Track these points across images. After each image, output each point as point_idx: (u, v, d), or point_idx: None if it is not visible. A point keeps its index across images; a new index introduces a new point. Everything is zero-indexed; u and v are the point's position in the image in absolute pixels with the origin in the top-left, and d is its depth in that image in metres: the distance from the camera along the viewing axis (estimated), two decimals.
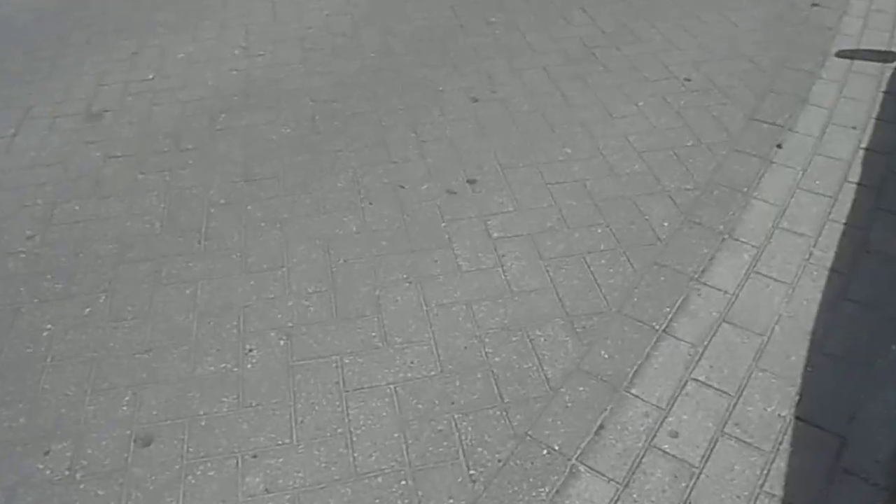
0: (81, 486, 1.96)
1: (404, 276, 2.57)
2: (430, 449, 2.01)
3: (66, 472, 2.00)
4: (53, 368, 2.29)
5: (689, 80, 3.54)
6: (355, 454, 2.00)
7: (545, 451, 1.99)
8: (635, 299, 2.43)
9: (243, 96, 3.59)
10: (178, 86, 3.70)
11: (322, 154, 3.17)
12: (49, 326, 2.44)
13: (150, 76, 3.81)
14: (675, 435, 2.01)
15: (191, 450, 2.03)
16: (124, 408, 2.15)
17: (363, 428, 2.07)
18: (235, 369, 2.25)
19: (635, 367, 2.20)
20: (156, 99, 3.61)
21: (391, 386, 2.18)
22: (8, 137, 3.40)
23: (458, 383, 2.19)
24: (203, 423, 2.10)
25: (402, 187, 2.97)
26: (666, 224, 2.72)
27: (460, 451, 2.00)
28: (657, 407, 2.08)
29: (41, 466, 2.02)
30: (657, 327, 2.32)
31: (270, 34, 4.14)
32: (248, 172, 3.09)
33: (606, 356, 2.24)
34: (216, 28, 4.23)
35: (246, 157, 3.17)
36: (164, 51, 4.03)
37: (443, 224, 2.79)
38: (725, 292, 2.42)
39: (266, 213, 2.87)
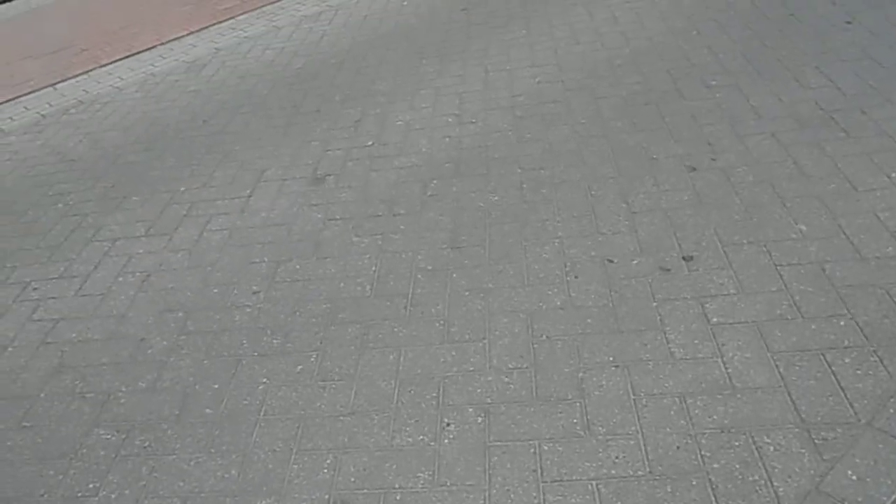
0: None
1: (610, 358, 2.38)
2: None
3: None
4: (265, 423, 2.39)
5: None
6: None
7: None
8: (892, 410, 2.04)
9: (454, 163, 3.65)
10: (395, 153, 3.85)
11: (528, 223, 3.10)
12: (265, 380, 2.56)
13: (370, 143, 4.00)
14: None
15: None
16: (325, 471, 2.17)
17: None
18: (432, 443, 2.19)
19: (894, 497, 1.83)
20: (374, 165, 3.78)
21: (593, 482, 2.00)
22: (244, 198, 3.72)
23: (669, 489, 1.95)
24: (398, 497, 2.06)
25: (611, 261, 2.81)
26: None
27: None
28: None
29: None
30: None
31: (482, 102, 4.20)
32: (455, 239, 3.09)
33: (855, 478, 1.89)
34: (432, 96, 4.38)
35: (454, 224, 3.19)
36: (384, 118, 4.23)
37: (654, 304, 2.57)
38: None
39: (470, 282, 2.83)
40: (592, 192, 3.23)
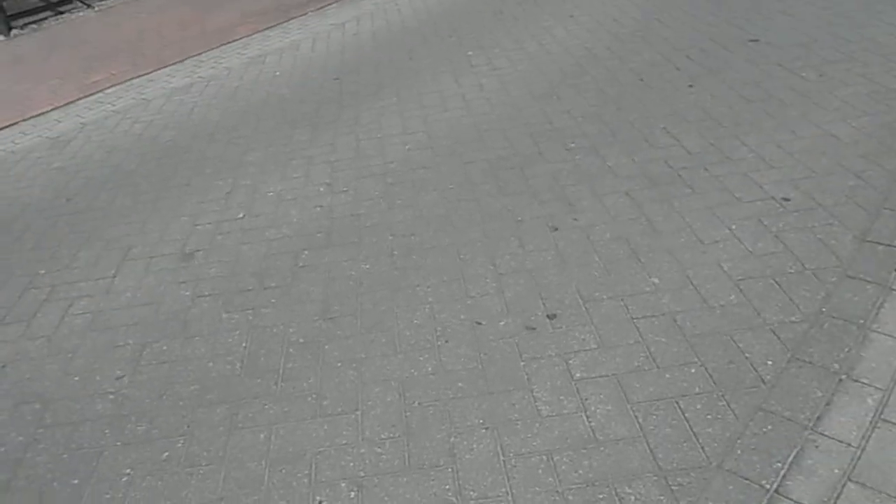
0: None
1: (480, 421, 2.40)
2: None
3: None
4: None
5: (787, 199, 3.33)
6: None
7: None
8: (739, 451, 2.15)
9: (326, 233, 3.63)
10: (266, 224, 3.80)
11: (400, 290, 3.12)
12: (128, 471, 2.42)
13: (241, 215, 3.94)
14: None
15: None
16: None
17: None
18: None
19: None
20: (244, 238, 3.71)
21: None
22: (109, 278, 3.55)
23: None
24: None
25: (480, 324, 2.85)
26: (770, 363, 2.46)
27: None
28: None
29: None
30: (767, 486, 2.04)
31: (354, 170, 4.24)
32: (326, 310, 3.06)
33: None
34: (303, 166, 4.38)
35: (326, 295, 3.15)
36: (255, 189, 4.19)
37: (521, 363, 2.62)
38: (848, 444, 2.12)
39: (343, 353, 2.80)
40: (461, 256, 3.29)
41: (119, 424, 2.62)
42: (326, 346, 2.86)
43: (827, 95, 4.19)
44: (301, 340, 2.91)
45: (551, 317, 2.83)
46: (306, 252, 3.51)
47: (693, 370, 2.48)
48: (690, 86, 4.62)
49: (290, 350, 2.87)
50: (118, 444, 2.54)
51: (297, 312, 3.08)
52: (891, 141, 3.66)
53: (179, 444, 2.49)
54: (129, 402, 2.73)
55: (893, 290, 2.70)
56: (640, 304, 2.82)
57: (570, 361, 2.59)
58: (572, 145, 4.13)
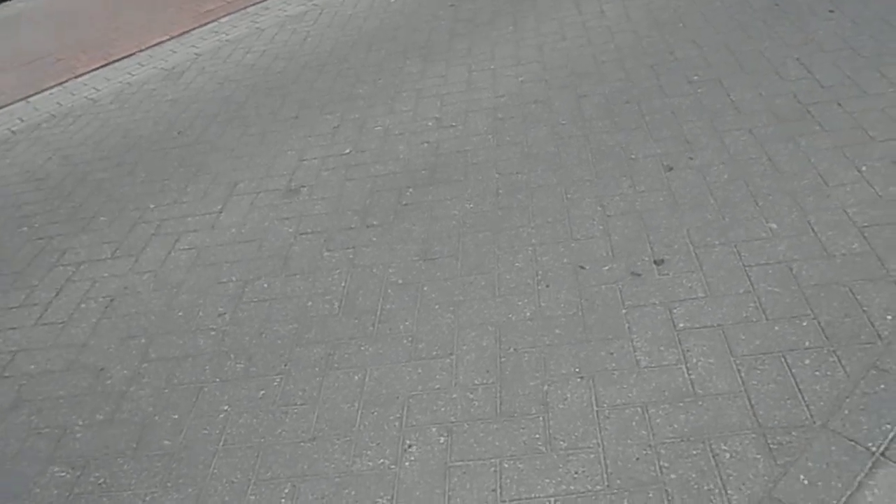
0: None
1: (576, 370, 2.40)
2: None
3: None
4: (224, 452, 2.40)
5: None
6: None
7: None
8: (846, 411, 2.05)
9: (431, 170, 3.66)
10: (372, 160, 3.87)
11: (502, 231, 3.12)
12: (226, 408, 2.57)
13: (347, 150, 4.02)
14: None
15: None
16: (283, 500, 2.20)
17: None
18: (393, 467, 2.22)
19: (843, 499, 1.84)
20: (349, 174, 3.80)
21: (551, 499, 2.03)
22: (215, 213, 3.71)
23: (625, 502, 1.97)
24: None
25: (583, 268, 2.82)
26: (890, 318, 2.29)
27: None
28: None
29: None
30: (874, 449, 1.94)
31: (464, 104, 4.21)
32: (427, 251, 3.11)
33: (807, 482, 1.90)
34: (412, 99, 4.39)
35: (427, 235, 3.21)
36: (363, 124, 4.25)
37: (623, 311, 2.58)
38: None
39: (440, 295, 2.86)
40: (568, 196, 3.24)
41: (219, 361, 2.77)
42: (425, 288, 2.91)
43: None
44: (400, 281, 2.98)
45: (658, 262, 2.76)
46: (410, 189, 3.55)
47: (805, 323, 2.35)
48: (831, 11, 4.20)
49: (389, 291, 2.94)
50: (217, 380, 2.68)
51: (398, 252, 3.15)
52: None
53: (276, 383, 2.61)
54: (229, 338, 2.87)
55: None
56: (754, 251, 2.68)
57: (675, 310, 2.53)
58: (695, 78, 3.90)
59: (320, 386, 2.58)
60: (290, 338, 2.83)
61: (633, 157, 3.40)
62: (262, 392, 2.61)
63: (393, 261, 3.10)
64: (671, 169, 3.25)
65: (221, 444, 2.44)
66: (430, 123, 4.10)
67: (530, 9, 5.27)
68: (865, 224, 2.67)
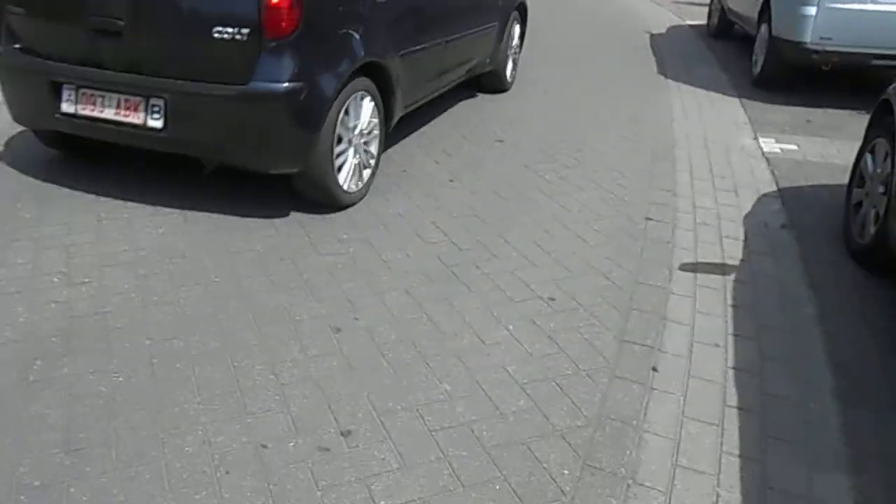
0: None
1: None
2: None
3: None
4: None
5: (553, 299, 3.52)
6: None
7: None
8: None
9: (64, 337, 3.05)
10: None
11: (164, 409, 2.69)
12: None
13: None
14: None
15: None
16: None
17: None
18: None
19: None
20: None
21: None
22: None
23: None
24: None
25: (265, 447, 2.56)
26: (566, 472, 2.51)
27: None
28: None
29: None
30: None
31: (97, 257, 3.67)
32: (70, 440, 2.52)
33: None
34: (31, 249, 3.69)
35: (68, 420, 2.61)
36: None
37: (318, 493, 2.38)
38: None
39: (94, 497, 2.30)
40: (236, 364, 2.96)
41: None
42: (71, 489, 2.33)
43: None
44: (36, 483, 2.35)
45: (345, 434, 2.63)
46: (38, 362, 2.90)
47: (498, 486, 2.43)
48: (451, 180, 4.80)
49: (22, 498, 2.30)
50: None
51: (31, 445, 2.50)
52: (624, 245, 4.10)
53: None
54: None
55: (654, 389, 2.95)
56: (435, 414, 2.74)
57: (373, 486, 2.41)
58: (344, 237, 4.02)
59: None
60: None
61: (298, 318, 3.29)
62: None
63: (25, 456, 2.43)
64: (339, 330, 3.23)
65: None
66: (55, 280, 3.46)
67: None
68: (525, 381, 2.94)
